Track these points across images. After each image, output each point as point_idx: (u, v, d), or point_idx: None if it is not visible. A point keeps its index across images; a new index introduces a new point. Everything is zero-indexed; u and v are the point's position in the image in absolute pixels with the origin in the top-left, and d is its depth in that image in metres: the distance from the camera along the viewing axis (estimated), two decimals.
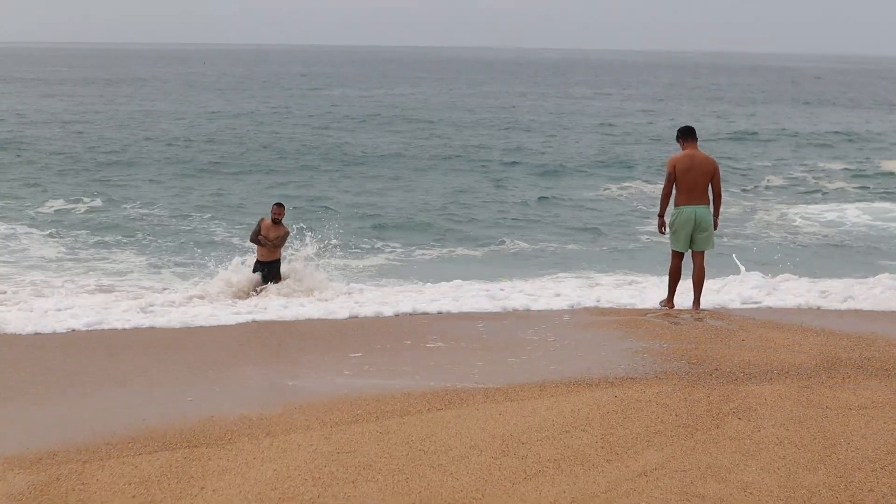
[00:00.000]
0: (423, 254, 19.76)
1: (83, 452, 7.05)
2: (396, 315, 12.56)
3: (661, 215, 12.41)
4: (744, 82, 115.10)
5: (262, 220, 14.57)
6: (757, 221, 24.13)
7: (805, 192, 29.63)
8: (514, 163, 34.68)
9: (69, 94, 71.17)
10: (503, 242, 21.09)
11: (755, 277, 14.30)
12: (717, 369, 8.81)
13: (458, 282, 14.97)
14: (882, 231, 23.19)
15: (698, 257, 12.22)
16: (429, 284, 15.13)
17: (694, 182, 11.96)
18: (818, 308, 12.95)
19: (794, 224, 24.03)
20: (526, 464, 6.61)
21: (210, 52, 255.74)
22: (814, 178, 32.61)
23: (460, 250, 20.19)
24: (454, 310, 12.86)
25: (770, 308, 12.88)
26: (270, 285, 14.16)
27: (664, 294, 12.67)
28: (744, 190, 29.60)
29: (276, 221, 14.39)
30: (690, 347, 9.79)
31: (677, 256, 12.23)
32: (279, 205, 14.61)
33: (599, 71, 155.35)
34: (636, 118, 56.91)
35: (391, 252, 19.83)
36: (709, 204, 12.11)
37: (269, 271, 14.39)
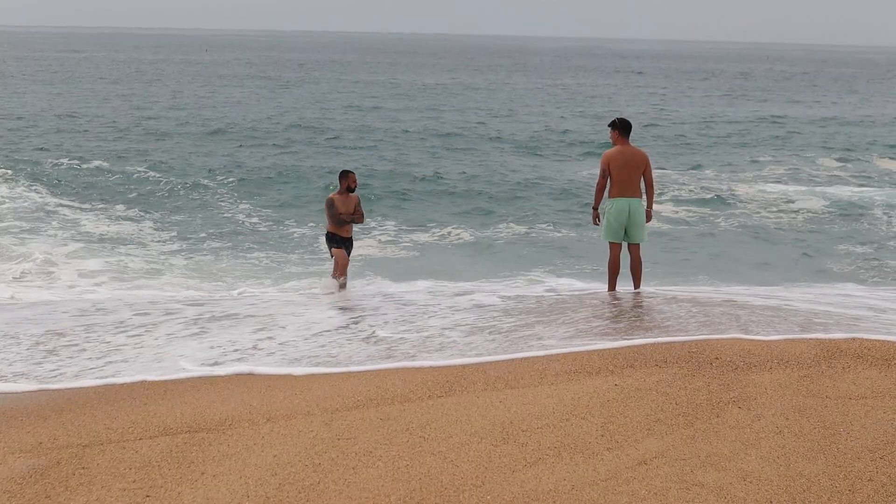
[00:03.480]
0: None
1: (83, 436, 7.04)
2: None
3: (595, 208, 12.95)
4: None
5: (331, 199, 13.67)
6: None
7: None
8: None
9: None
10: None
11: None
12: (717, 358, 8.80)
13: None
14: None
15: (634, 249, 12.89)
16: None
17: (627, 176, 12.53)
18: None
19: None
20: (526, 451, 6.62)
21: (191, 39, 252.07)
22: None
23: None
24: None
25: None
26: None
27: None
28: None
29: (351, 190, 13.62)
30: (690, 335, 9.77)
31: (615, 248, 12.80)
32: (352, 172, 13.84)
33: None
34: None
35: None
36: (641, 196, 12.68)
37: (350, 245, 13.81)
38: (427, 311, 11.96)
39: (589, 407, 7.42)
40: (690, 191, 27.17)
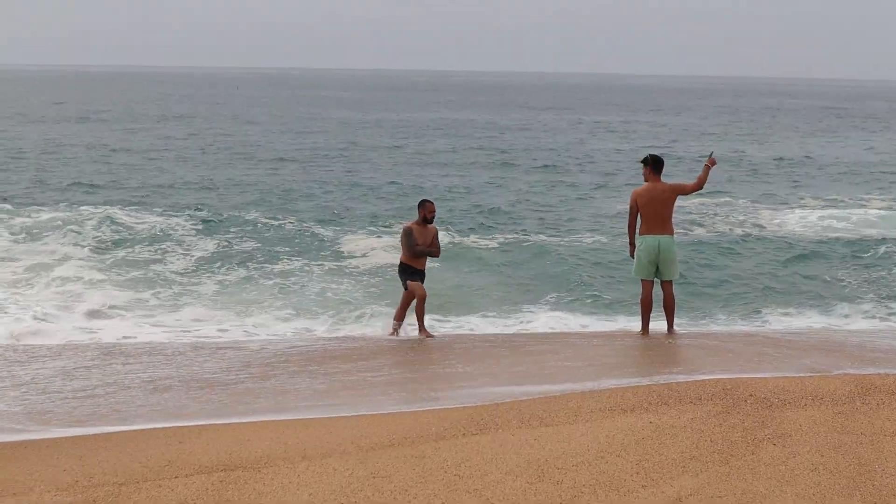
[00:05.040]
0: None
1: (119, 475, 7.08)
2: None
3: (631, 244, 12.80)
4: None
5: (409, 228, 13.16)
6: None
7: None
8: None
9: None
10: None
11: None
12: (751, 395, 8.77)
13: None
14: None
15: (667, 286, 12.69)
16: None
17: (655, 212, 12.36)
18: None
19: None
20: (561, 489, 6.61)
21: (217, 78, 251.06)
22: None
23: None
24: None
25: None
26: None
27: None
28: None
29: (429, 220, 13.19)
30: (724, 372, 9.75)
31: (647, 285, 12.68)
32: (430, 202, 13.37)
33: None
34: None
35: None
36: (672, 234, 12.50)
37: (423, 279, 13.25)
38: (195, 358, 11.51)
39: (624, 444, 7.41)
40: (724, 223, 26.94)
